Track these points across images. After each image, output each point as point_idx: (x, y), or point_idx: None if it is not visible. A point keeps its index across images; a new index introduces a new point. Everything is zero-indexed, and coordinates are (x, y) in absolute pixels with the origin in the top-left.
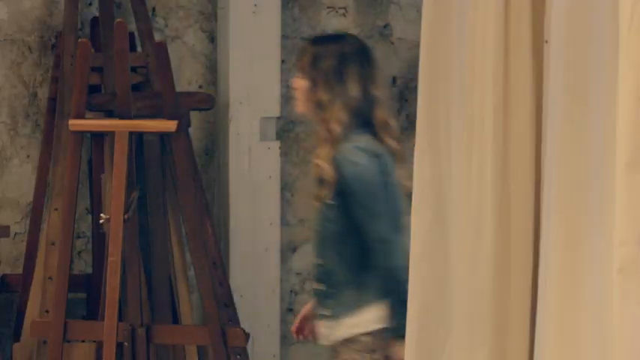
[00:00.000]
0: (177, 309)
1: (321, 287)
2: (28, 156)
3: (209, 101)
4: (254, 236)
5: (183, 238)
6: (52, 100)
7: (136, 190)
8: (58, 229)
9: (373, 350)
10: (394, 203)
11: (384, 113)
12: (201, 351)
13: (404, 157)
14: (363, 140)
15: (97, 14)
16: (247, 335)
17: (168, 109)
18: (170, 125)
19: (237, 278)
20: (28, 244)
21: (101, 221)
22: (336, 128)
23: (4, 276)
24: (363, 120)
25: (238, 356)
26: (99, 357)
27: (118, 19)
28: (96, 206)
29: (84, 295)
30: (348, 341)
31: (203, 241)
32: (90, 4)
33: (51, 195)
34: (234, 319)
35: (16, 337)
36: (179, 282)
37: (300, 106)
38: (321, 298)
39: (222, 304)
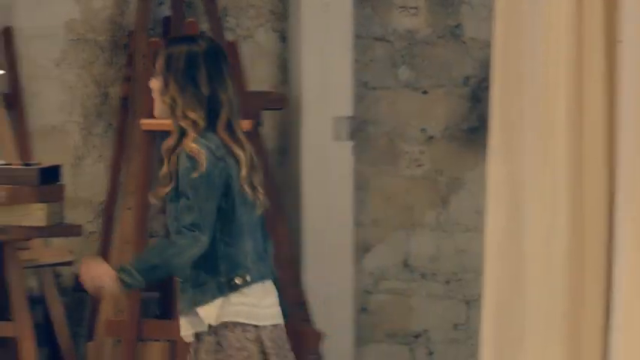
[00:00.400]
0: None
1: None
2: (101, 155)
3: (281, 101)
4: (327, 236)
5: None
6: (124, 99)
7: None
8: (132, 228)
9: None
10: (227, 207)
11: (229, 116)
12: None
13: (248, 163)
14: (213, 141)
15: (169, 14)
16: (321, 335)
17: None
18: (243, 125)
19: (310, 278)
20: (102, 242)
21: None
22: (188, 126)
23: (78, 275)
24: (213, 121)
25: (312, 356)
26: (173, 356)
27: (190, 19)
28: None
29: (157, 295)
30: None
31: (276, 241)
32: (161, 4)
33: (124, 194)
34: (307, 319)
35: (90, 336)
36: None
37: (156, 107)
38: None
39: (295, 304)
